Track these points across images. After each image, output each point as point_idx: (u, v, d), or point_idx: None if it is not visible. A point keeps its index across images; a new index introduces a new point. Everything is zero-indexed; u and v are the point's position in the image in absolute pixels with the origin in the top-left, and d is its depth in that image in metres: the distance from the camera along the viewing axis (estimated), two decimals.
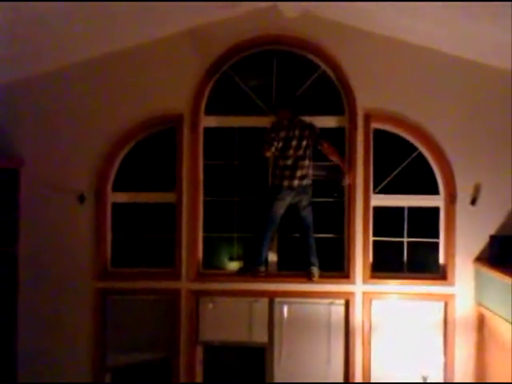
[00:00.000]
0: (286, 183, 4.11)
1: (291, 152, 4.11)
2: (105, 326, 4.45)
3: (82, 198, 4.42)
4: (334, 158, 4.22)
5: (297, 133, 4.12)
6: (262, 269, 4.28)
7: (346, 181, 4.25)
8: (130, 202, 4.54)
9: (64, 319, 4.46)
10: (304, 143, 4.12)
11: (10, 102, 4.51)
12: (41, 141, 4.50)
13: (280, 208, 4.17)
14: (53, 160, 4.49)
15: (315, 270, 4.20)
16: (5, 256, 4.40)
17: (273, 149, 4.10)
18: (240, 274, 4.36)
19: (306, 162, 4.15)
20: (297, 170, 4.11)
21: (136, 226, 4.56)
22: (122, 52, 4.41)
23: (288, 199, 4.14)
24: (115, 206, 4.54)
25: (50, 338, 4.46)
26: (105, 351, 4.44)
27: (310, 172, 4.21)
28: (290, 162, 4.11)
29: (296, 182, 4.11)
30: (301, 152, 4.12)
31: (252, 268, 4.28)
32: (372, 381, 4.26)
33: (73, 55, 4.35)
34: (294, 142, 4.11)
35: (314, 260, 4.23)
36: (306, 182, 4.15)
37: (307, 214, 4.22)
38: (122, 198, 4.54)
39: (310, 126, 4.18)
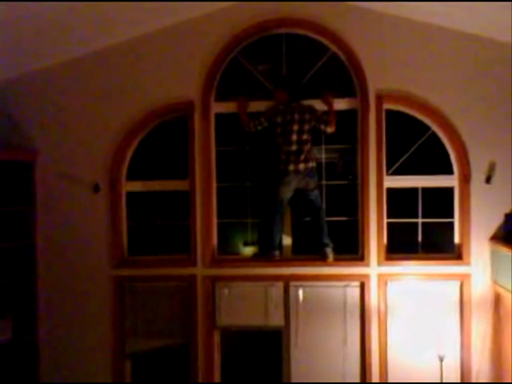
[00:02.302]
0: (291, 167, 4.12)
1: (294, 137, 4.12)
2: (123, 313, 4.51)
3: (96, 188, 4.47)
4: (331, 108, 4.20)
5: (296, 117, 4.12)
6: (276, 253, 4.31)
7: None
8: (144, 190, 4.57)
9: (83, 308, 4.52)
10: (306, 127, 4.13)
11: (22, 94, 4.55)
12: (54, 132, 4.54)
13: (287, 192, 4.19)
14: (67, 151, 4.53)
15: (329, 251, 4.23)
16: (23, 248, 4.47)
17: (251, 125, 4.21)
18: (254, 260, 4.40)
19: (310, 145, 4.17)
20: (301, 154, 4.12)
21: (151, 213, 4.59)
22: (132, 41, 4.42)
23: (294, 183, 4.16)
24: (130, 194, 4.58)
25: (69, 326, 4.54)
26: (124, 338, 4.51)
27: (314, 155, 4.23)
28: (294, 146, 4.12)
29: (302, 166, 4.12)
30: (304, 136, 4.13)
31: (266, 253, 4.32)
32: (389, 362, 4.27)
33: (84, 46, 4.37)
34: (296, 127, 4.12)
35: (327, 241, 4.25)
36: (311, 164, 4.17)
37: (316, 196, 4.24)
38: (136, 186, 4.57)
39: (310, 109, 4.18)
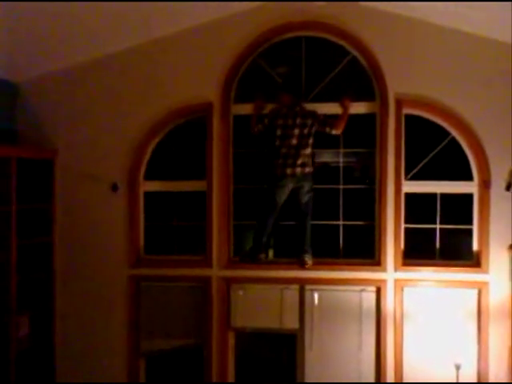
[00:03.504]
0: (288, 171, 4.10)
1: (294, 141, 4.11)
2: (138, 312, 4.53)
3: (114, 187, 4.51)
4: (346, 112, 4.17)
5: (298, 121, 4.11)
6: (262, 255, 4.29)
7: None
8: (162, 190, 4.60)
9: (99, 306, 4.56)
10: (306, 131, 4.12)
11: (43, 93, 4.62)
12: (74, 131, 4.60)
13: (282, 195, 4.17)
14: (86, 150, 4.58)
15: (308, 258, 4.20)
16: (41, 245, 4.52)
17: (260, 126, 4.19)
18: (241, 261, 4.37)
19: (308, 150, 4.14)
20: (298, 158, 4.10)
21: (168, 214, 4.62)
22: (153, 42, 4.46)
23: (290, 186, 4.15)
24: (147, 194, 4.61)
25: (85, 324, 4.58)
26: (139, 337, 4.53)
27: (311, 160, 4.19)
28: (292, 150, 4.11)
29: (298, 170, 4.11)
30: (303, 141, 4.12)
31: (252, 255, 4.29)
32: (404, 369, 4.22)
33: (105, 47, 4.42)
34: (297, 131, 4.11)
35: (308, 248, 4.23)
36: (307, 169, 4.15)
37: (307, 200, 4.20)
38: (153, 186, 4.60)
39: (313, 114, 4.16)
